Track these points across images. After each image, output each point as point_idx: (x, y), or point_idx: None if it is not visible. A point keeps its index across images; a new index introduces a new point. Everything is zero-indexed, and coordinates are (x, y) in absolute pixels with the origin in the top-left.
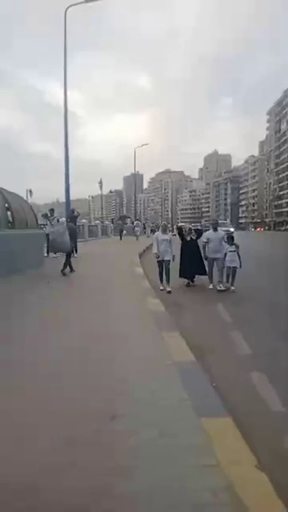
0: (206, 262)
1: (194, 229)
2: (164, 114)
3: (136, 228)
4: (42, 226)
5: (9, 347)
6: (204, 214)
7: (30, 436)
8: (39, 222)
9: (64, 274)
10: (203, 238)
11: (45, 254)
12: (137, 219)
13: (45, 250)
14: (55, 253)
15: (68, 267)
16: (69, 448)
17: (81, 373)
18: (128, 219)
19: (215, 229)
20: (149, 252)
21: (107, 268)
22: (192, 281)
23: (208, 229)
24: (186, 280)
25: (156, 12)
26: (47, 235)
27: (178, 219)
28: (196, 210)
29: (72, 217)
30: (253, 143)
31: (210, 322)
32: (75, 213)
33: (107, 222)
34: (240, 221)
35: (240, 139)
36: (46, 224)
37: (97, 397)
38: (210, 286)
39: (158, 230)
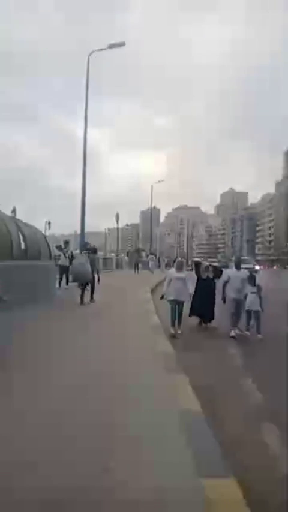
0: (222, 303)
1: (212, 267)
2: (182, 152)
3: (150, 262)
4: (56, 257)
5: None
6: (220, 250)
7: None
8: (54, 254)
9: (93, 301)
10: (224, 277)
11: (58, 285)
12: (151, 253)
13: (58, 281)
14: (67, 284)
15: (80, 298)
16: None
17: (75, 424)
18: (143, 252)
19: (238, 268)
20: (161, 287)
21: (119, 301)
22: (205, 322)
23: (226, 266)
24: (197, 319)
25: (175, 57)
26: (61, 266)
27: (194, 254)
28: (212, 245)
29: (92, 249)
30: (270, 180)
31: (221, 369)
32: (89, 246)
33: (122, 255)
34: (257, 258)
35: (256, 177)
36: (60, 255)
37: (92, 448)
38: (232, 334)
39: (172, 265)
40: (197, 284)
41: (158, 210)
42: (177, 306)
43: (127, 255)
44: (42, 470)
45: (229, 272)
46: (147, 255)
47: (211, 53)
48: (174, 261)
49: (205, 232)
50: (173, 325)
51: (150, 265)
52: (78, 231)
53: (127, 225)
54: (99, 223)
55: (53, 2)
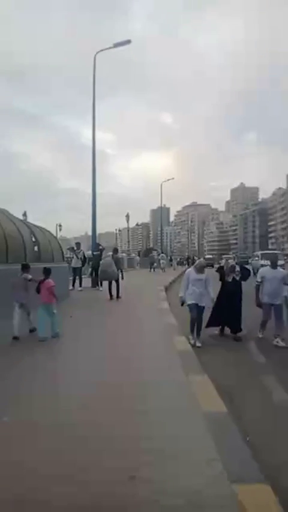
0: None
1: (239, 267)
2: (190, 150)
3: (162, 261)
4: (68, 259)
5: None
6: (232, 247)
7: None
8: (66, 255)
9: (118, 297)
10: (257, 277)
11: (71, 287)
12: (162, 252)
13: (71, 283)
14: (80, 285)
15: (109, 294)
16: None
17: (96, 424)
18: (155, 251)
19: (274, 266)
20: (176, 284)
21: (137, 299)
22: (233, 332)
23: (246, 263)
24: (217, 329)
25: (180, 54)
26: (73, 268)
27: (205, 251)
28: (223, 242)
29: (114, 249)
30: (281, 175)
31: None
32: (100, 247)
33: (133, 255)
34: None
35: (267, 172)
36: (72, 257)
37: (115, 456)
38: (260, 335)
39: (187, 265)
40: (221, 289)
41: (168, 209)
42: (197, 312)
43: (138, 255)
44: None
45: (264, 272)
46: (159, 254)
47: (219, 52)
48: (187, 260)
49: (216, 229)
50: (192, 331)
51: (161, 264)
52: (89, 233)
53: (137, 224)
54: (109, 224)
55: (56, 7)
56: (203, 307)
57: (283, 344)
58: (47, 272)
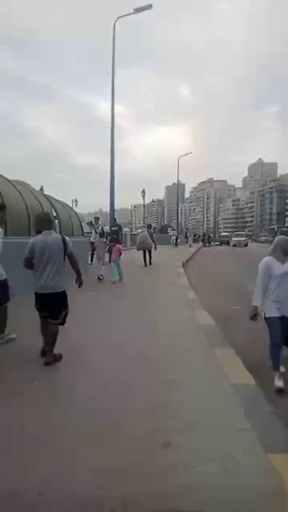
0: None
1: None
2: (207, 124)
3: (172, 237)
4: (87, 234)
5: None
6: (247, 224)
7: None
8: (84, 230)
9: (151, 264)
10: None
11: (89, 262)
12: (174, 229)
13: (89, 258)
14: (99, 260)
15: (144, 262)
16: None
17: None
18: (170, 228)
19: None
20: (194, 259)
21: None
22: None
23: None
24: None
25: (199, 26)
26: (92, 243)
27: (220, 228)
28: (239, 219)
29: (148, 225)
30: None
31: None
32: (116, 222)
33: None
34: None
35: (286, 148)
36: (91, 232)
37: (149, 420)
38: None
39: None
40: None
41: (183, 185)
42: (284, 327)
43: (154, 231)
44: None
45: None
46: (172, 231)
47: (242, 23)
48: (203, 237)
49: (232, 206)
50: (276, 366)
51: (172, 240)
52: (103, 209)
53: (153, 201)
54: (124, 199)
55: None
56: None
57: None
58: (116, 239)
